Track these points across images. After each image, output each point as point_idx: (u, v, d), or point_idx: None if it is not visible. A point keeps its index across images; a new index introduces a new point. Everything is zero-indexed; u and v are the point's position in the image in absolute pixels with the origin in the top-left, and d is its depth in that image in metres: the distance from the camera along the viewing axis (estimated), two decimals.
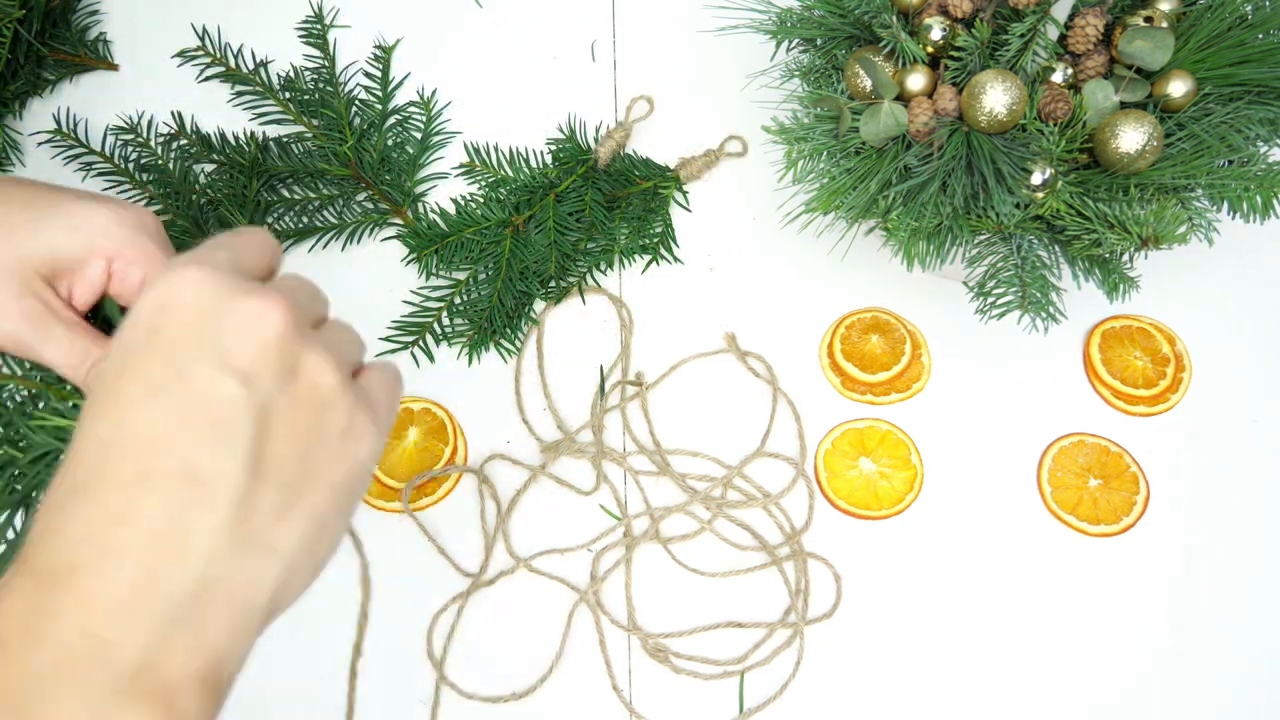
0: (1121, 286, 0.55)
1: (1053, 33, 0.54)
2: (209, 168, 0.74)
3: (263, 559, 0.29)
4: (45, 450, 0.40)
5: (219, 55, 0.78)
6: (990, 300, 0.56)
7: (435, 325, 0.70)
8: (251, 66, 0.77)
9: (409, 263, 0.72)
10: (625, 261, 0.72)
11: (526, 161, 0.75)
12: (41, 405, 0.42)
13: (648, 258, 0.72)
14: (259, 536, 0.29)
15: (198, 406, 0.28)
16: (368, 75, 0.78)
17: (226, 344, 0.29)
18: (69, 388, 0.42)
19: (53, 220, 0.40)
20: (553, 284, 0.71)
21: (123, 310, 0.42)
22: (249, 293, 0.30)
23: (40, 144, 0.76)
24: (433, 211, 0.73)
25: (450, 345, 0.70)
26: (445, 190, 0.74)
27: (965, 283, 0.59)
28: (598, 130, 0.76)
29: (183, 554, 0.27)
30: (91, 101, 0.77)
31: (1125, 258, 0.57)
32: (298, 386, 0.30)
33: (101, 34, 0.79)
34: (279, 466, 0.29)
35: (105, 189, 0.73)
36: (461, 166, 0.75)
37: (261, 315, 0.30)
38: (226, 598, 0.28)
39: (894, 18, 0.56)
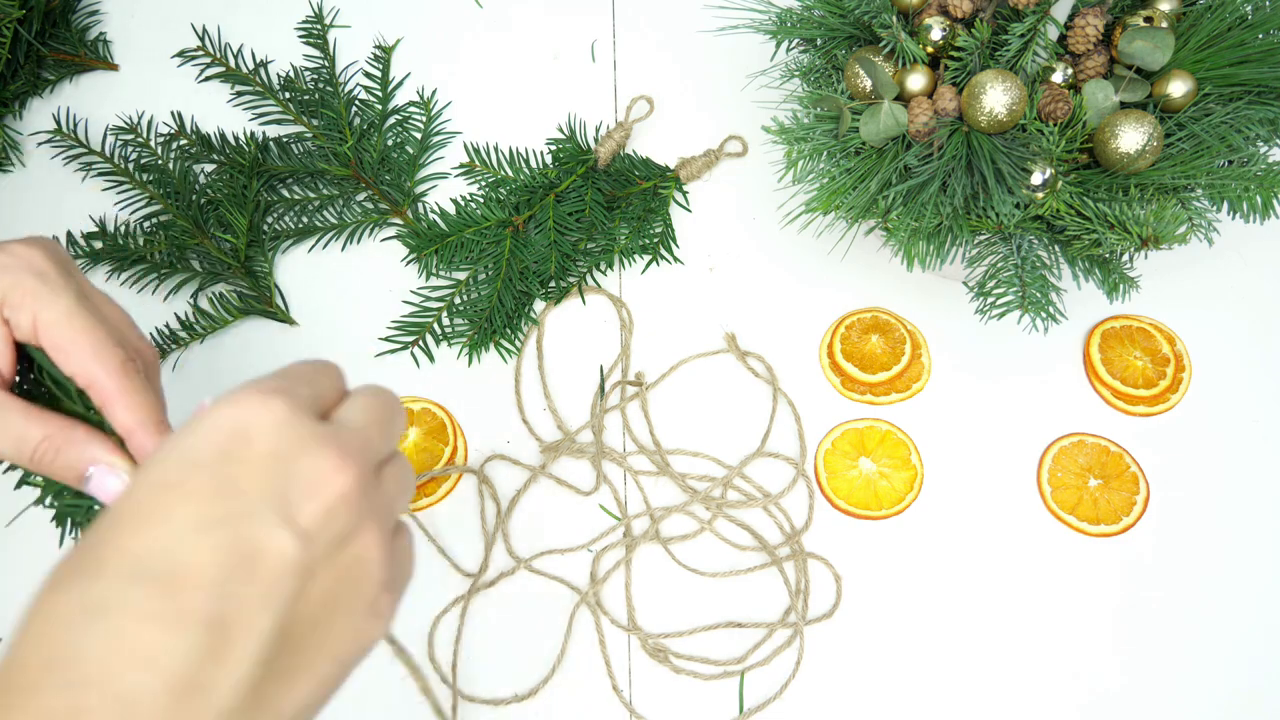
0: (1121, 286, 0.56)
1: (1053, 33, 0.54)
2: (209, 168, 0.74)
3: None
4: None
5: (219, 55, 0.78)
6: (990, 300, 0.56)
7: (435, 325, 0.70)
8: (251, 66, 0.77)
9: (409, 263, 0.72)
10: (625, 261, 0.72)
11: (526, 161, 0.75)
12: None
13: (648, 258, 0.72)
14: (266, 698, 0.27)
15: (250, 554, 0.27)
16: (368, 75, 0.78)
17: (294, 496, 0.28)
18: None
19: None
20: (553, 284, 0.71)
21: (41, 353, 0.38)
22: (326, 444, 0.29)
23: (40, 144, 0.76)
24: (433, 211, 0.73)
25: (450, 345, 0.70)
26: (445, 190, 0.74)
27: (965, 283, 0.59)
28: (598, 130, 0.76)
29: (196, 710, 0.25)
30: (91, 101, 0.77)
31: (1125, 258, 0.57)
32: (345, 555, 0.29)
33: (101, 34, 0.79)
34: (303, 632, 0.28)
35: (105, 189, 0.73)
36: (461, 166, 0.75)
37: (334, 474, 0.29)
38: None
39: (894, 18, 0.56)
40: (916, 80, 0.56)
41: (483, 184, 0.74)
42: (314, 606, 0.28)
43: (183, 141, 0.75)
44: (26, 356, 0.40)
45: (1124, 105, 0.56)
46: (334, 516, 0.29)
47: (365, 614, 0.30)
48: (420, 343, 0.70)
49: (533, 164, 0.74)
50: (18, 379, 0.39)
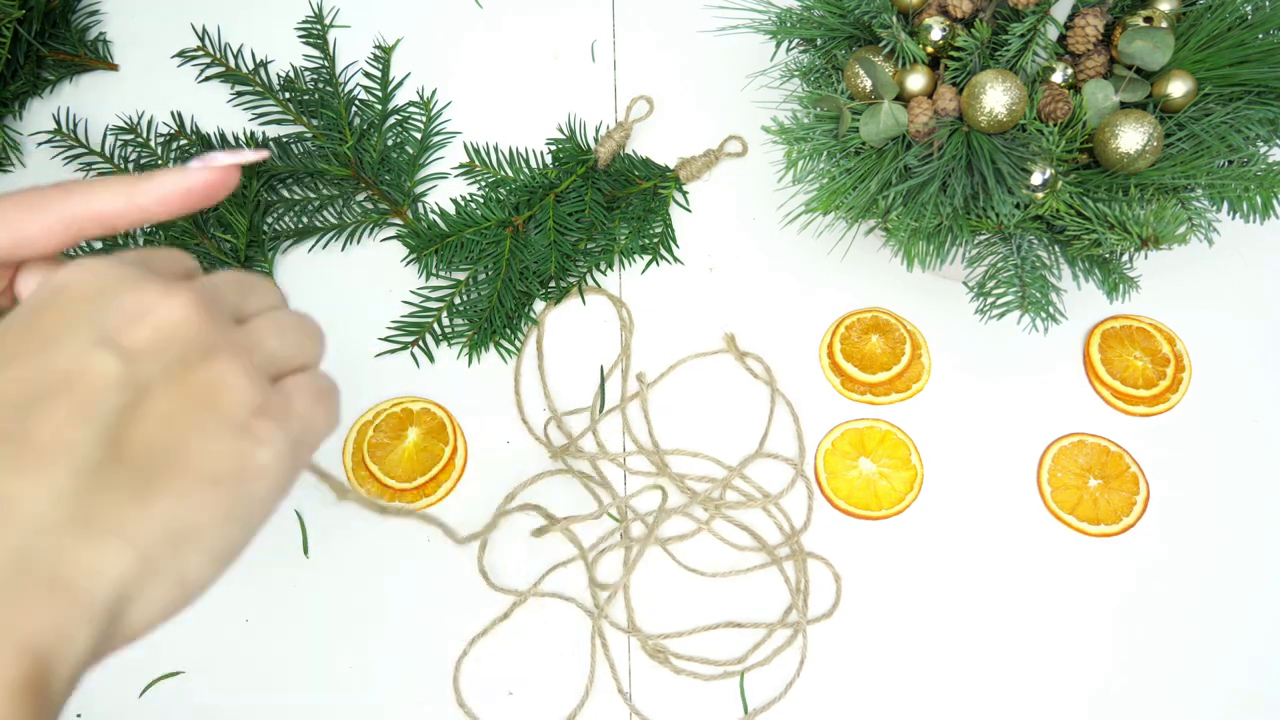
0: (1121, 286, 0.55)
1: (1053, 33, 0.54)
2: None
3: (106, 542, 0.25)
4: None
5: (219, 55, 0.78)
6: (990, 300, 0.56)
7: (435, 325, 0.70)
8: (251, 66, 0.77)
9: (409, 263, 0.72)
10: (625, 261, 0.72)
11: (526, 161, 0.75)
12: None
13: (648, 258, 0.72)
14: (102, 516, 0.25)
15: (58, 376, 0.26)
16: (368, 75, 0.78)
17: (113, 323, 0.27)
18: None
19: None
20: (553, 284, 0.71)
21: None
22: (150, 280, 0.28)
23: (40, 144, 0.76)
24: (433, 211, 0.73)
25: (450, 345, 0.70)
26: (445, 190, 0.74)
27: (965, 283, 0.59)
28: (598, 130, 0.76)
29: (2, 519, 0.24)
30: (91, 101, 0.77)
31: (1125, 258, 0.57)
32: (192, 376, 0.28)
33: (101, 34, 0.79)
34: (145, 447, 0.26)
35: None
36: (461, 166, 0.75)
37: (160, 301, 0.28)
38: (51, 580, 0.24)
39: (894, 18, 0.56)
40: (916, 80, 0.56)
41: (483, 184, 0.74)
42: (156, 425, 0.27)
43: (183, 141, 0.75)
44: None
45: (1124, 105, 0.56)
46: (164, 337, 0.28)
47: (233, 434, 0.28)
48: (420, 343, 0.70)
49: (533, 164, 0.74)
50: None
